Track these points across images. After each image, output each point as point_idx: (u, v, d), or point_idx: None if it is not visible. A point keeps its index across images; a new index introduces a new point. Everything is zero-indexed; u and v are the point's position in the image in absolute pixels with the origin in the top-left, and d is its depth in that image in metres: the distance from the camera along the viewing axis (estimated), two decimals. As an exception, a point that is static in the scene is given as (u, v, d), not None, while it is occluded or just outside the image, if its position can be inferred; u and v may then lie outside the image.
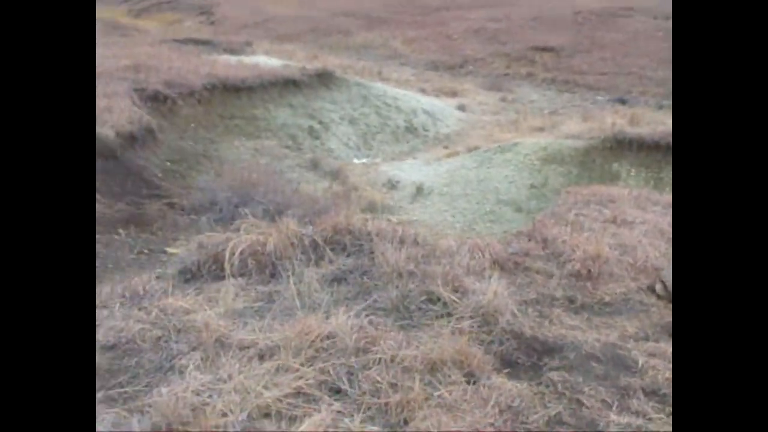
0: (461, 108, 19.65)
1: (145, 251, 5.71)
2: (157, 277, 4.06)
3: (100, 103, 9.09)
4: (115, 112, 8.78)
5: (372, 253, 4.16)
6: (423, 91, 21.34)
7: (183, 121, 11.73)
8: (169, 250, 5.91)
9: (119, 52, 15.38)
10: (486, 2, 36.93)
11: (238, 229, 4.43)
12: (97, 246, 5.44)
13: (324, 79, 16.52)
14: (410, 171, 13.14)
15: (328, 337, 3.19)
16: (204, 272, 4.08)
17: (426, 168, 13.43)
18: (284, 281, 3.83)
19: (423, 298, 3.73)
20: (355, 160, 13.77)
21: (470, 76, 26.93)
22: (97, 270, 4.87)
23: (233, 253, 3.95)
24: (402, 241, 4.27)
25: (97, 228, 5.95)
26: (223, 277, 3.98)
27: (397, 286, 3.82)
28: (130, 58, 13.82)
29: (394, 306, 3.67)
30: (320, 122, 14.64)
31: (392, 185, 12.06)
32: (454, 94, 21.96)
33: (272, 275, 3.94)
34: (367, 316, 3.44)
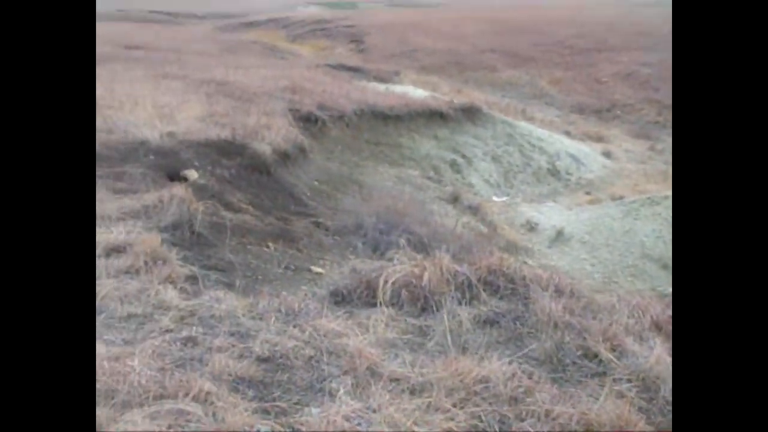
0: (606, 154, 19.00)
1: (292, 267, 5.85)
2: (309, 296, 4.13)
3: (260, 120, 9.55)
4: (272, 129, 9.20)
5: (526, 298, 4.03)
6: (568, 133, 20.87)
7: (331, 143, 12.11)
8: (314, 269, 6.03)
9: (278, 73, 16.17)
10: (639, 45, 35.67)
11: (391, 259, 4.44)
12: (249, 257, 5.65)
13: (470, 113, 16.54)
14: (550, 214, 12.80)
15: (481, 381, 3.09)
16: (355, 297, 4.10)
17: (567, 213, 13.04)
18: (436, 317, 3.77)
19: (579, 353, 3.54)
20: (495, 198, 13.60)
21: (618, 121, 26.04)
22: (249, 281, 5.04)
23: (387, 282, 3.94)
24: (558, 291, 4.10)
25: (249, 239, 6.19)
26: (374, 305, 3.98)
27: (551, 337, 3.65)
28: (288, 80, 14.50)
29: (547, 357, 3.51)
30: (463, 156, 14.63)
31: (531, 227, 11.79)
32: (599, 139, 21.31)
33: (423, 309, 3.89)
34: (520, 363, 3.31)
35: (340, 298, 4.15)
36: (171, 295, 3.90)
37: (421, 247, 7.44)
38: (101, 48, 21.59)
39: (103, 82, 12.19)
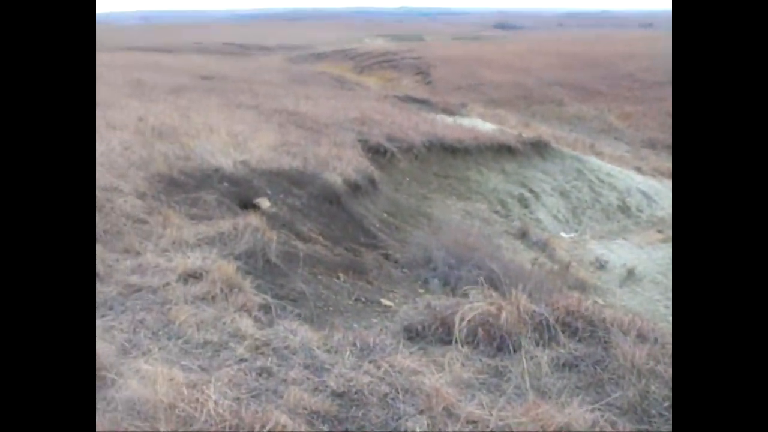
0: (680, 191, 18.38)
1: (362, 299, 5.82)
2: (383, 330, 4.08)
3: (331, 150, 9.65)
4: (343, 160, 9.28)
5: (606, 342, 3.87)
6: (638, 169, 20.35)
7: (400, 175, 12.14)
8: (384, 301, 5.98)
9: (347, 104, 16.40)
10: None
11: (465, 295, 4.36)
12: (320, 287, 5.65)
13: (538, 148, 16.37)
14: (620, 252, 12.45)
15: (562, 429, 2.96)
16: (429, 334, 4.03)
17: (638, 251, 12.65)
18: (513, 358, 3.66)
19: (666, 403, 3.37)
20: (563, 234, 13.33)
21: (691, 158, 25.22)
22: (320, 311, 5.04)
23: (463, 320, 3.86)
24: (641, 335, 3.93)
25: (319, 269, 6.20)
26: (448, 342, 3.90)
27: (635, 385, 3.48)
28: (357, 111, 14.66)
29: (631, 406, 3.35)
30: (531, 191, 14.43)
31: (601, 265, 11.48)
32: (672, 175, 20.69)
33: (500, 349, 3.79)
34: (602, 412, 3.16)
35: (413, 334, 4.08)
36: (246, 323, 3.91)
37: (491, 283, 7.33)
38: (179, 79, 22.41)
39: (180, 111, 12.60)
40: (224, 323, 3.92)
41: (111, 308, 4.20)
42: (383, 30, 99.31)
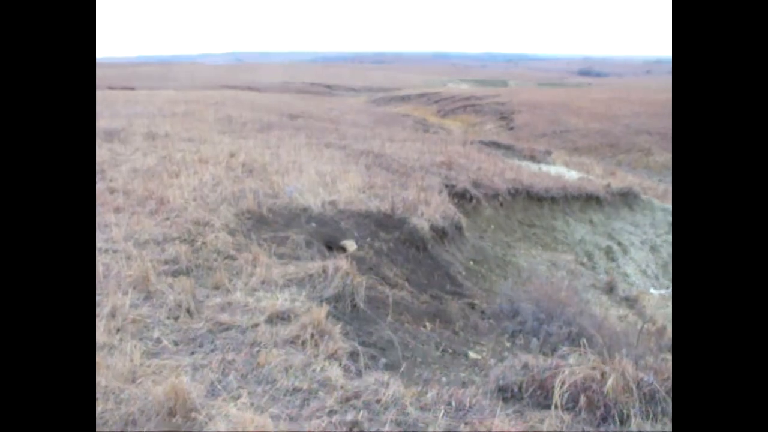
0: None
1: (449, 351, 5.61)
2: (477, 389, 3.86)
3: (418, 195, 9.55)
4: (430, 205, 9.15)
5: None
6: (733, 226, 19.35)
7: (484, 222, 11.90)
8: (471, 354, 5.76)
9: (433, 148, 16.36)
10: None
11: (564, 356, 4.11)
12: (406, 336, 5.48)
13: (627, 198, 15.83)
14: (716, 313, 11.73)
15: None
16: (526, 396, 3.79)
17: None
18: (619, 429, 3.39)
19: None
20: (653, 291, 12.71)
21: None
22: (408, 362, 4.86)
23: (563, 384, 3.61)
24: None
25: (406, 317, 6.05)
26: (546, 406, 3.65)
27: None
28: (443, 155, 14.58)
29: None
30: (619, 244, 13.89)
31: (695, 326, 10.83)
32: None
33: (604, 419, 3.51)
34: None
35: (509, 395, 3.86)
36: (335, 372, 3.79)
37: (583, 341, 6.97)
38: (268, 116, 23.01)
39: (270, 148, 12.84)
40: (313, 370, 3.81)
41: (201, 345, 4.17)
42: (466, 75, 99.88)
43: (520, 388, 3.86)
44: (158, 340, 4.17)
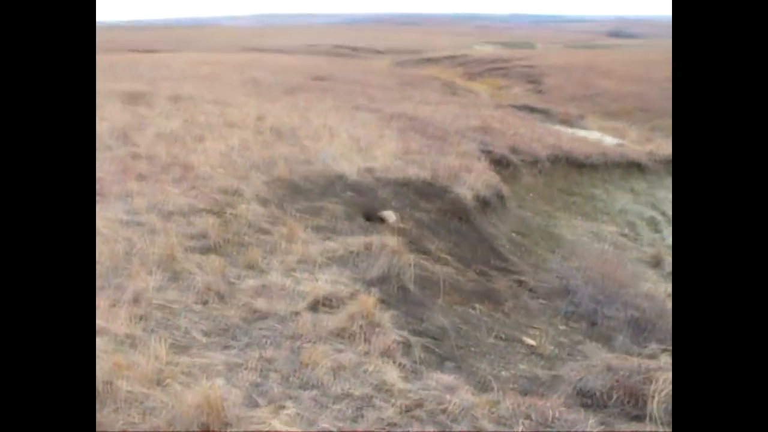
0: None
1: (502, 336, 5.09)
2: (559, 397, 3.33)
3: (458, 162, 8.96)
4: (472, 172, 8.55)
5: None
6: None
7: (523, 190, 11.29)
8: (526, 339, 5.24)
9: (467, 112, 15.67)
10: None
11: (654, 356, 3.56)
12: (457, 320, 4.97)
13: (671, 166, 15.05)
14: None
15: None
16: (611, 403, 3.26)
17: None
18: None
19: None
20: (700, 264, 12.05)
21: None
22: (463, 352, 4.35)
23: (660, 392, 3.07)
24: None
25: (454, 297, 5.52)
26: (638, 417, 3.12)
27: None
28: (479, 119, 13.90)
29: None
30: (663, 214, 13.17)
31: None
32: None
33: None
34: None
35: (589, 401, 3.32)
36: (391, 374, 3.28)
37: (640, 325, 6.43)
38: (294, 78, 22.40)
39: (298, 111, 12.27)
40: (366, 371, 3.29)
41: (235, 338, 3.68)
42: (493, 36, 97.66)
43: (603, 394, 3.32)
44: (186, 331, 3.68)
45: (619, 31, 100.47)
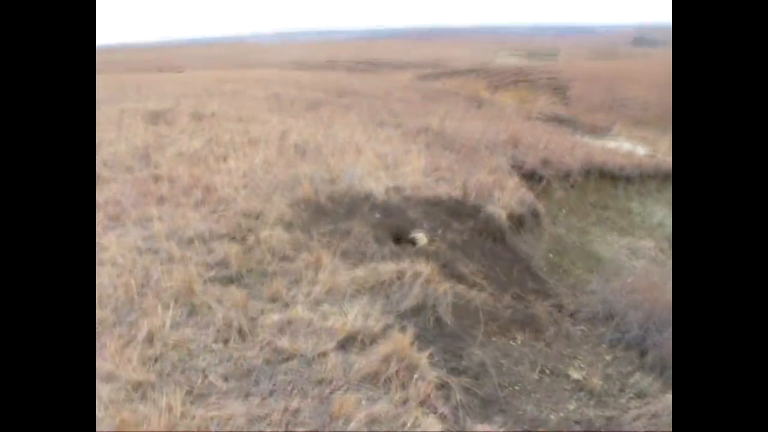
0: None
1: (546, 371, 4.70)
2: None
3: (490, 178, 8.58)
4: (505, 189, 8.16)
5: None
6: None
7: (555, 206, 10.86)
8: (572, 374, 4.84)
9: (494, 125, 15.29)
10: None
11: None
12: (497, 355, 4.59)
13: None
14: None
15: None
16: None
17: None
18: None
19: None
20: (744, 280, 11.51)
21: None
22: (506, 393, 3.97)
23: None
24: None
25: (491, 327, 5.14)
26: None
27: None
28: (506, 132, 13.52)
29: None
30: (702, 227, 12.66)
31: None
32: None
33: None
34: None
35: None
36: (432, 428, 2.90)
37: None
38: (315, 94, 22.21)
39: (322, 127, 11.98)
40: (404, 425, 2.93)
41: (257, 383, 3.34)
42: (514, 47, 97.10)
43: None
44: (204, 374, 3.35)
45: (642, 39, 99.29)
